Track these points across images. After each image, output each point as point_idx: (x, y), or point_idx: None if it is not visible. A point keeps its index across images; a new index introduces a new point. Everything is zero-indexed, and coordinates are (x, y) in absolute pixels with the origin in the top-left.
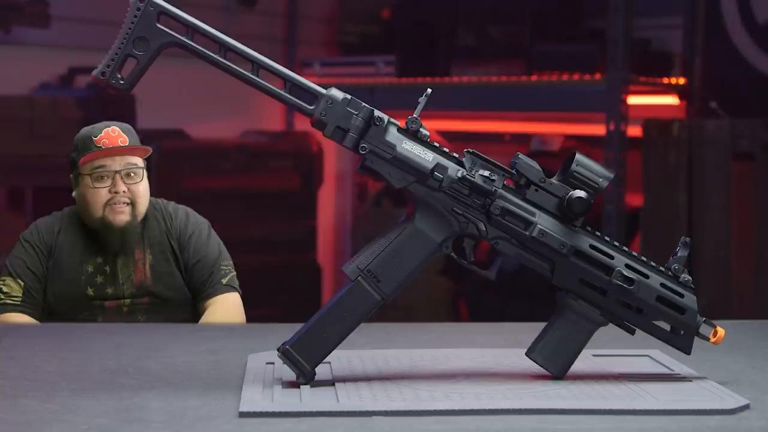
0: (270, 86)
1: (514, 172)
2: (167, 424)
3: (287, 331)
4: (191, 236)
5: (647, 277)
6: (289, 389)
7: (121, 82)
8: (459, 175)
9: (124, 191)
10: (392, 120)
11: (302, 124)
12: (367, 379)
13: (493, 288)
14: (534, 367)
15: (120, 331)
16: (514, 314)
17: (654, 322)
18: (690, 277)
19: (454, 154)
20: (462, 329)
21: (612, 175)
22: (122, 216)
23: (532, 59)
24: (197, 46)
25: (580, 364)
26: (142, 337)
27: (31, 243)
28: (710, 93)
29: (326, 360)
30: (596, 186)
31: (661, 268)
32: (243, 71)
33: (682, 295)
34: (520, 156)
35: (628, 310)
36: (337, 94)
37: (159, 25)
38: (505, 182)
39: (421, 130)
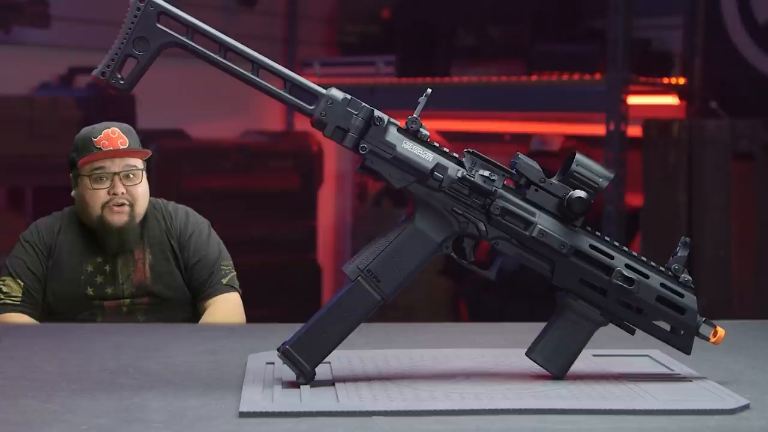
0: (270, 86)
1: (514, 172)
2: (167, 424)
3: (287, 331)
4: (191, 236)
5: (647, 277)
6: (289, 389)
7: (121, 82)
8: (459, 175)
9: (123, 193)
10: (392, 120)
11: (302, 124)
12: (367, 379)
13: (493, 288)
14: (534, 367)
15: (120, 331)
16: (514, 314)
17: (654, 322)
18: (690, 277)
19: (454, 154)
20: (462, 329)
21: (612, 175)
22: (120, 217)
23: (532, 59)
24: (197, 46)
25: (580, 364)
26: (142, 337)
27: (31, 243)
28: (710, 93)
29: (326, 360)
30: (596, 186)
31: (661, 268)
32: (243, 71)
33: (682, 295)
34: (520, 156)
35: (628, 310)
36: (337, 94)
37: (159, 25)
38: (505, 182)
39: (421, 130)
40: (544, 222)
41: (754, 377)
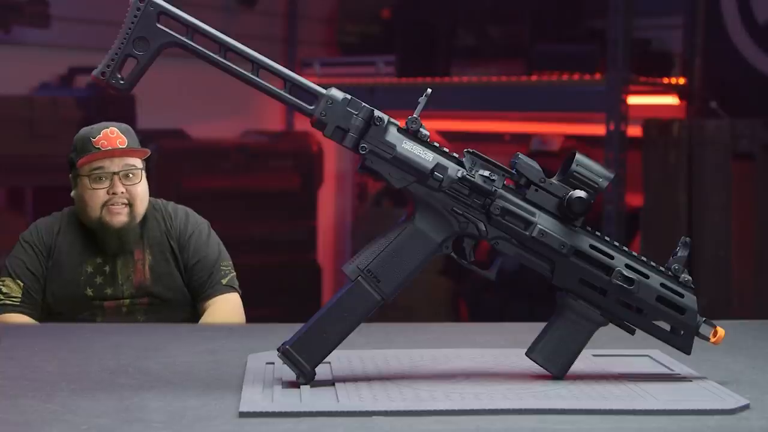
0: (270, 86)
1: (514, 172)
2: (167, 424)
3: (287, 331)
4: (191, 236)
5: (647, 277)
6: (289, 389)
7: (121, 82)
8: (459, 175)
9: (122, 192)
10: (392, 120)
11: (302, 124)
12: (367, 379)
13: (493, 288)
14: (534, 367)
15: (119, 331)
16: (514, 314)
17: (654, 322)
18: (690, 277)
19: (454, 154)
20: (462, 329)
21: (612, 175)
22: (120, 217)
23: (532, 59)
24: (197, 46)
25: (580, 364)
26: (142, 337)
27: (31, 243)
28: (710, 93)
29: (326, 360)
30: (596, 186)
31: (661, 268)
32: (243, 71)
33: (682, 295)
34: (520, 156)
35: (628, 310)
36: (337, 94)
37: (159, 25)
38: (505, 182)
39: (421, 130)
40: (544, 222)
41: (754, 377)
